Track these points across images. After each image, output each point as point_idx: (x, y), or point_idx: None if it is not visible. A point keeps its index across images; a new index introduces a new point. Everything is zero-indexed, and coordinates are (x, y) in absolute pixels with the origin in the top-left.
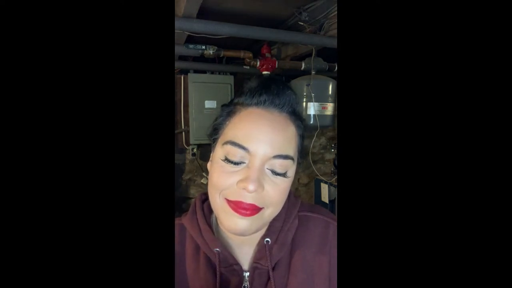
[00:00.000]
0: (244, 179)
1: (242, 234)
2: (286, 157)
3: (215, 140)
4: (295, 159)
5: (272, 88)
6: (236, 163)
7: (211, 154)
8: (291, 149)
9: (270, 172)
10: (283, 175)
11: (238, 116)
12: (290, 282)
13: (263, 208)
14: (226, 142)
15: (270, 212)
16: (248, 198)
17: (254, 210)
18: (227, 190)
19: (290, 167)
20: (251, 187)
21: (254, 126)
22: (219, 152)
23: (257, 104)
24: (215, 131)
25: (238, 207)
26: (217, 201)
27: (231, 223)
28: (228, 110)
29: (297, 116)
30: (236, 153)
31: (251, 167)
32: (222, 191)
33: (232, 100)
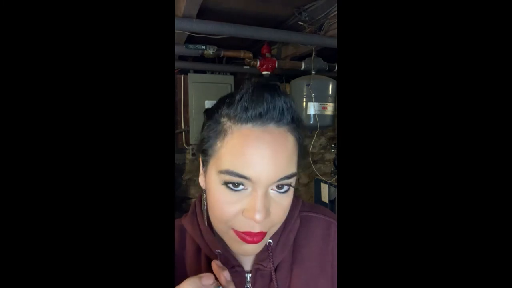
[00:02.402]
0: (250, 209)
1: (249, 255)
2: (290, 176)
3: (206, 160)
4: (298, 170)
5: (266, 99)
6: (237, 190)
7: (203, 171)
8: (294, 164)
9: (274, 192)
10: (287, 190)
11: (232, 138)
12: (292, 283)
13: (269, 228)
14: (224, 171)
15: (275, 229)
16: (256, 227)
17: (262, 236)
18: (233, 220)
19: (293, 180)
20: (258, 217)
21: (253, 152)
22: (215, 179)
23: (251, 121)
24: (204, 152)
25: (246, 235)
26: (222, 229)
27: (240, 249)
28: (216, 127)
29: (296, 123)
30: (236, 181)
31: (255, 196)
32: (228, 222)
33: (217, 110)
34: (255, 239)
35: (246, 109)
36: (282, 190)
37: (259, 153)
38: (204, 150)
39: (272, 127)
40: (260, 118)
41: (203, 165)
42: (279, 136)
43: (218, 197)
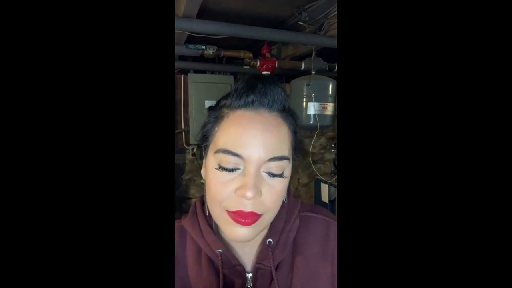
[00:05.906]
0: (241, 187)
1: (243, 241)
2: (281, 158)
3: (206, 147)
4: (291, 157)
5: (259, 88)
6: (231, 170)
7: (204, 161)
8: (286, 148)
9: (266, 175)
10: (280, 175)
11: (227, 121)
12: (293, 282)
13: (262, 214)
14: (218, 151)
15: (269, 217)
16: (248, 206)
17: (254, 217)
18: (226, 201)
19: (287, 167)
20: (249, 194)
21: (244, 130)
22: (212, 160)
23: (245, 106)
24: (205, 138)
25: (238, 216)
26: (217, 212)
27: (232, 233)
28: (215, 115)
29: (288, 112)
30: (229, 161)
31: (247, 174)
32: (222, 203)
33: (218, 102)
34: (247, 221)
35: (240, 97)
36: (275, 173)
37: (250, 133)
38: (204, 135)
39: (263, 111)
40: (252, 104)
41: (204, 154)
42: (270, 119)
43: (214, 178)
